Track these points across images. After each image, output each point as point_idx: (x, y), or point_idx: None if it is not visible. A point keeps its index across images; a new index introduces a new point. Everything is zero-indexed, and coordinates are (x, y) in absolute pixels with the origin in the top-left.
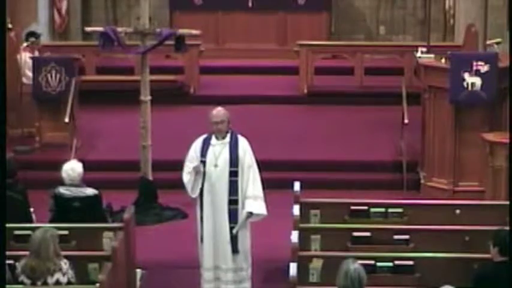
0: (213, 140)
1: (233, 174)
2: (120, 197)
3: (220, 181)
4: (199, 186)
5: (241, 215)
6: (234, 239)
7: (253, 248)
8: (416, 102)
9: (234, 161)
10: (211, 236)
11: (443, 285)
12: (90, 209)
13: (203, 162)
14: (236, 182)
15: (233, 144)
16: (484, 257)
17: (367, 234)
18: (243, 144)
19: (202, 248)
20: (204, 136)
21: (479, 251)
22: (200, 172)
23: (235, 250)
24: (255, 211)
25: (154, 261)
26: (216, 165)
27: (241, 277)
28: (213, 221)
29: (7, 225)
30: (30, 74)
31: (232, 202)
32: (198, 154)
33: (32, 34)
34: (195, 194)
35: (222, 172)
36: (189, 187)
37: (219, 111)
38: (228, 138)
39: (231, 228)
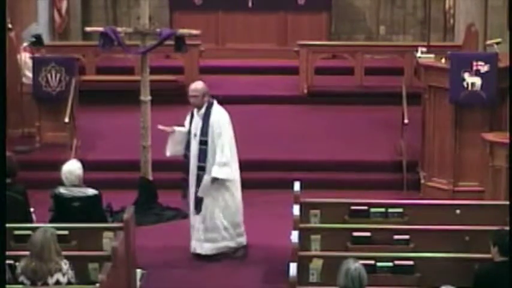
0: (195, 112)
1: (202, 143)
2: (120, 197)
3: (195, 149)
4: (175, 148)
5: (204, 180)
6: (197, 201)
7: (253, 248)
8: (416, 102)
9: (203, 131)
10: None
11: (443, 285)
12: (90, 209)
13: (189, 132)
14: (205, 150)
15: (206, 116)
16: (484, 257)
17: (367, 234)
18: (215, 115)
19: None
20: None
21: (479, 251)
22: (172, 133)
23: (197, 210)
24: (220, 176)
25: (154, 261)
26: (195, 135)
27: (215, 238)
28: (191, 184)
29: (7, 225)
30: (30, 74)
31: (200, 168)
32: (187, 124)
33: (34, 36)
34: (167, 153)
35: (198, 141)
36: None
37: (196, 85)
38: (203, 110)
39: (196, 192)
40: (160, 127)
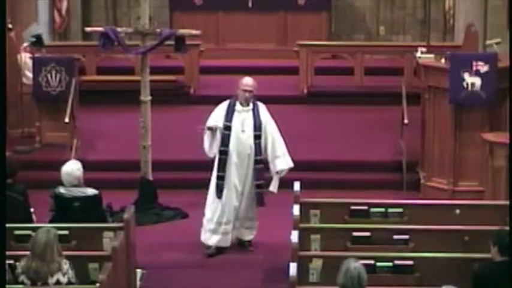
0: (238, 107)
1: (257, 137)
2: (120, 197)
3: (247, 145)
4: (217, 147)
5: (275, 175)
6: (259, 194)
7: (253, 248)
8: (416, 102)
9: (257, 126)
10: (234, 193)
11: (444, 285)
12: (90, 209)
13: (228, 127)
14: (259, 144)
15: (256, 111)
16: (484, 257)
17: (367, 234)
18: (264, 110)
19: (219, 203)
20: (227, 102)
21: (479, 251)
22: (216, 131)
23: (261, 204)
24: (286, 167)
25: (154, 261)
26: (243, 131)
27: (254, 225)
28: (238, 180)
29: (7, 225)
30: (30, 74)
31: (257, 162)
32: (222, 119)
33: (35, 36)
34: (212, 154)
35: (249, 136)
36: (206, 147)
37: (248, 80)
38: (251, 105)
39: (257, 186)
40: (207, 126)
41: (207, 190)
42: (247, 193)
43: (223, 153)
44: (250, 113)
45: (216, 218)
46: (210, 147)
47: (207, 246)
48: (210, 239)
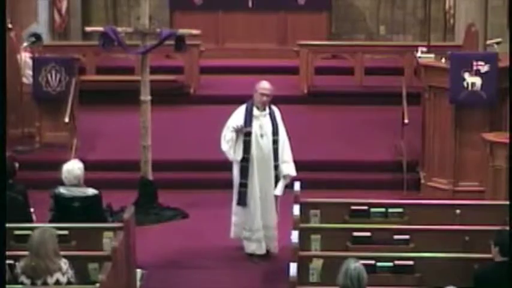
0: (256, 111)
1: (275, 142)
2: (120, 197)
3: (267, 150)
4: (241, 149)
5: (282, 179)
6: (276, 200)
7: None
8: (416, 102)
9: (275, 130)
10: (260, 199)
11: (447, 286)
12: (90, 209)
13: (248, 133)
14: (277, 149)
15: (273, 115)
16: (484, 257)
17: (367, 234)
18: (279, 114)
19: (247, 211)
20: (245, 106)
21: (479, 251)
22: (242, 132)
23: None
24: (292, 173)
25: (154, 261)
26: (262, 135)
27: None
28: (262, 185)
29: (7, 225)
30: (30, 74)
31: (275, 168)
32: (242, 123)
33: (34, 35)
34: (239, 157)
35: (268, 141)
36: (231, 152)
37: (266, 84)
38: (267, 110)
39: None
40: (235, 126)
41: (207, 190)
42: (270, 199)
43: (245, 160)
44: (268, 118)
45: (249, 226)
46: (235, 151)
47: (249, 255)
48: (249, 247)
